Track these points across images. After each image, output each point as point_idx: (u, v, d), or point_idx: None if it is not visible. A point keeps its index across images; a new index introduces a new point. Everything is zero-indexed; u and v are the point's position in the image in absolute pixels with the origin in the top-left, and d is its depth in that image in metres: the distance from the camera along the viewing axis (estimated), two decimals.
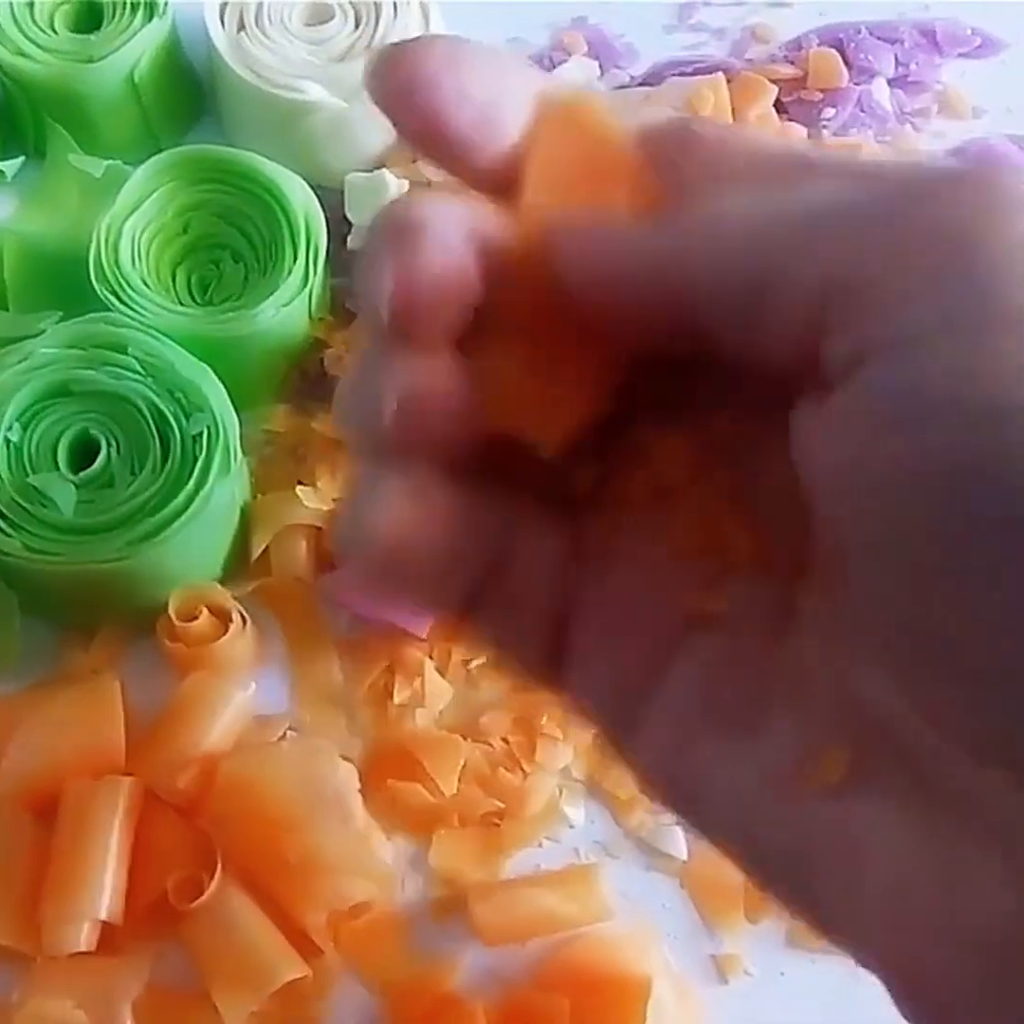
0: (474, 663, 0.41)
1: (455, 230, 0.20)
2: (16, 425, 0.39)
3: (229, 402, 0.40)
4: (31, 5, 0.46)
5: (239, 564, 0.42)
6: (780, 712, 0.20)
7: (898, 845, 0.18)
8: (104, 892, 0.36)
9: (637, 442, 0.22)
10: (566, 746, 0.40)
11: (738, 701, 0.20)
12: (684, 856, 0.40)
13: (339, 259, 0.46)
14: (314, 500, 0.41)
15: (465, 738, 0.40)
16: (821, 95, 0.49)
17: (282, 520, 0.42)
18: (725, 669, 0.21)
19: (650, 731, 0.21)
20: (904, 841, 0.18)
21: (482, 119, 0.21)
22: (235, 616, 0.40)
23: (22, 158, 0.48)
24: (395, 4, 0.47)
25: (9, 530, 0.38)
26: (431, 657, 0.41)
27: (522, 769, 0.40)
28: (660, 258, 0.20)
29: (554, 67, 0.51)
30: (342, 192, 0.47)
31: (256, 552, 0.41)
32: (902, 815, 0.18)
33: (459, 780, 0.39)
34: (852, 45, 0.51)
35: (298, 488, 0.42)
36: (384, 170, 0.47)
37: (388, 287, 0.19)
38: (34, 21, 0.46)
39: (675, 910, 0.39)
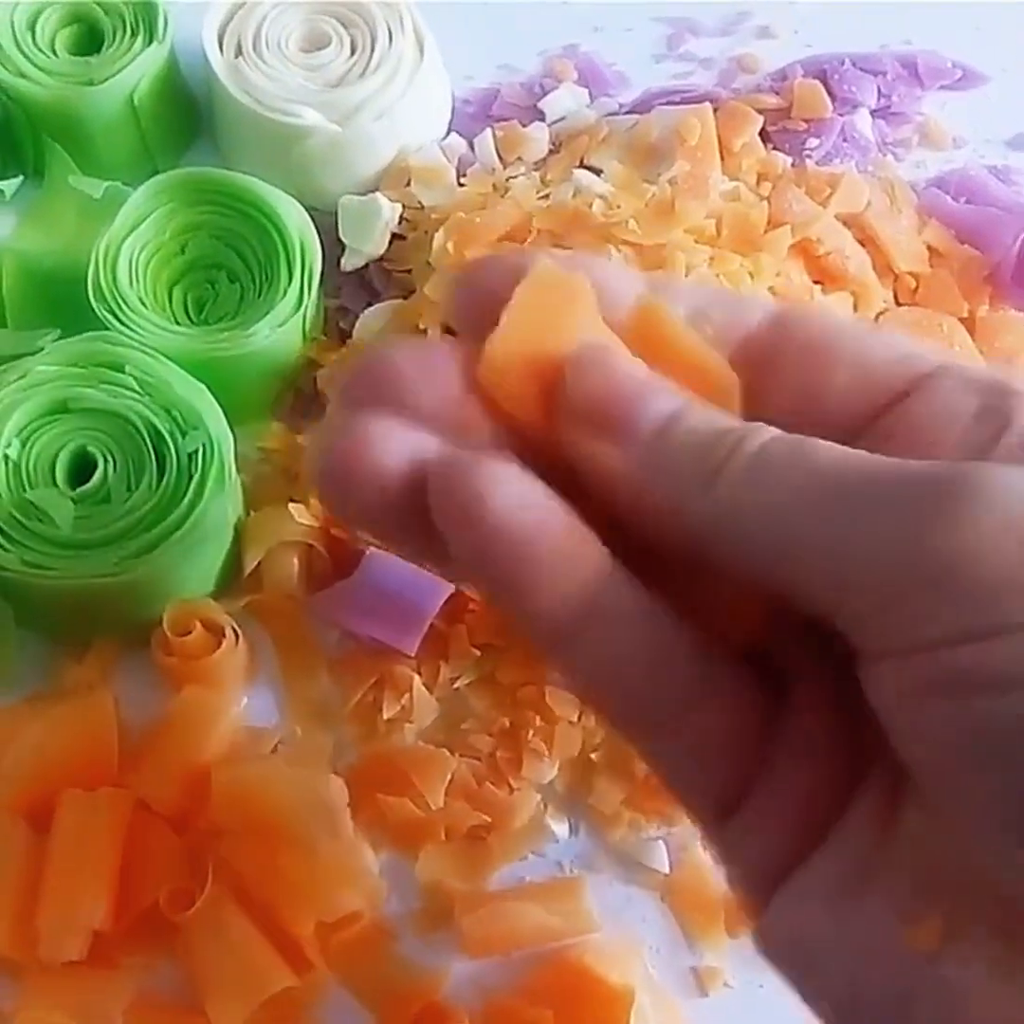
0: (461, 681, 0.42)
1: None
2: (14, 441, 0.40)
3: (224, 420, 0.41)
4: (33, 28, 0.47)
5: (232, 580, 0.43)
6: (883, 884, 0.22)
7: (994, 1002, 0.20)
8: (97, 903, 0.36)
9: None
10: (551, 762, 0.41)
11: (848, 873, 0.22)
12: (666, 870, 0.40)
13: (333, 280, 0.47)
14: (306, 517, 0.42)
15: (452, 753, 0.41)
16: (805, 125, 0.50)
17: (274, 537, 0.42)
18: (841, 846, 0.23)
19: (778, 896, 0.23)
20: (999, 998, 0.20)
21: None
22: (228, 631, 0.41)
23: (21, 178, 0.48)
24: (390, 32, 0.48)
25: (7, 545, 0.38)
26: (419, 674, 0.41)
27: (508, 784, 0.41)
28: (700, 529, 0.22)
29: (545, 93, 0.52)
30: (336, 215, 0.48)
31: (249, 568, 0.42)
32: (994, 974, 0.21)
33: (446, 794, 0.40)
34: (836, 76, 0.52)
35: (290, 505, 0.42)
36: (377, 194, 0.48)
37: None
38: (35, 43, 0.46)
39: (656, 923, 0.40)
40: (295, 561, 0.42)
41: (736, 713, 0.24)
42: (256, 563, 0.42)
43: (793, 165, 0.49)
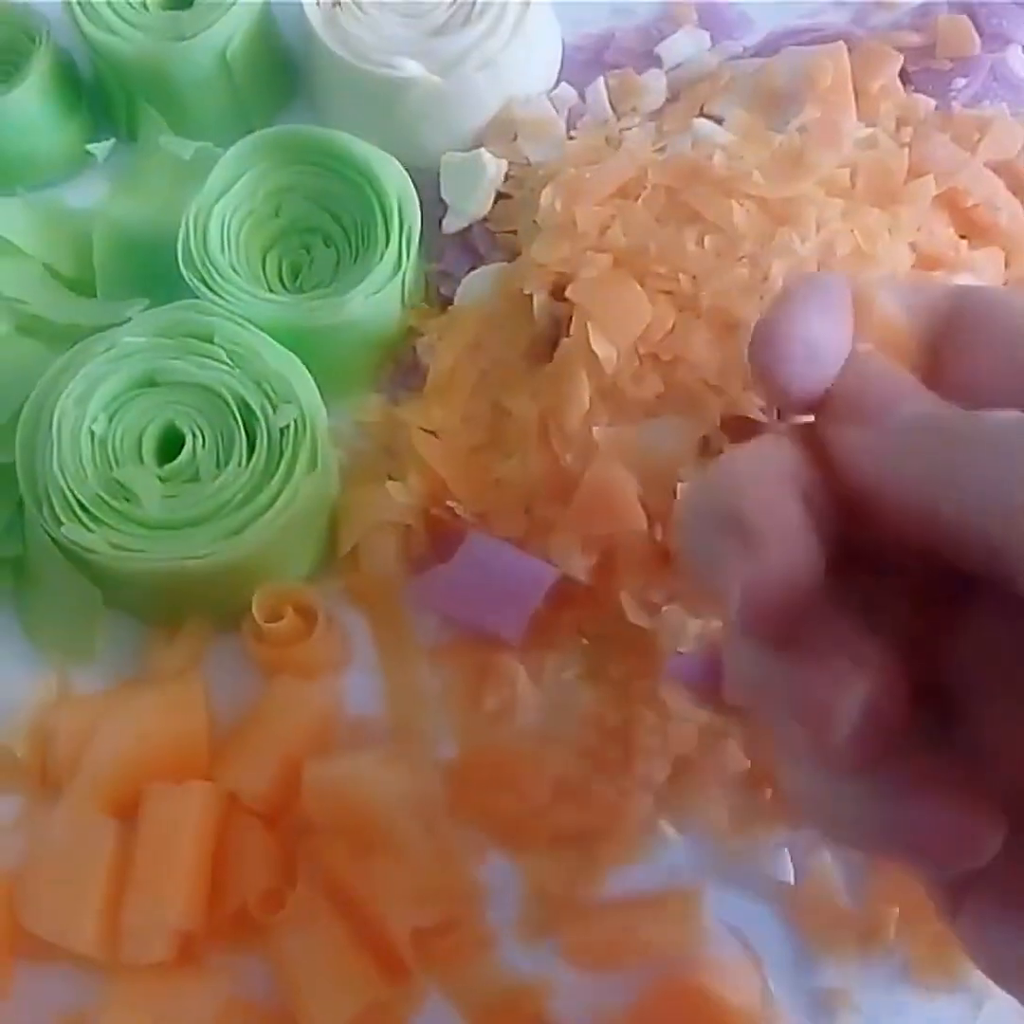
0: (568, 672, 0.39)
1: (794, 521, 0.22)
2: (101, 416, 0.38)
3: (318, 393, 0.39)
4: None
5: (327, 562, 0.40)
6: None
7: None
8: (184, 902, 0.34)
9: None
10: (664, 760, 0.38)
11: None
12: (790, 880, 0.37)
13: (434, 243, 0.44)
14: (404, 496, 0.40)
15: (558, 750, 0.38)
16: (950, 64, 0.46)
17: (372, 516, 0.40)
18: None
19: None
20: None
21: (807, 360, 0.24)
22: (321, 616, 0.38)
23: (113, 140, 0.47)
24: None
25: (92, 526, 0.37)
26: (524, 664, 0.39)
27: (618, 784, 0.38)
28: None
29: (662, 38, 0.48)
30: (438, 173, 0.45)
31: (344, 550, 0.40)
32: None
33: (551, 794, 0.37)
34: (984, 10, 0.47)
35: (389, 483, 0.40)
36: (481, 150, 0.45)
37: (736, 594, 0.22)
38: None
39: (779, 939, 0.37)
40: (393, 542, 0.40)
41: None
42: (352, 545, 0.40)
43: (937, 108, 0.45)
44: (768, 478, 0.23)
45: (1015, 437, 0.21)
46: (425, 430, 0.41)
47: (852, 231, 0.39)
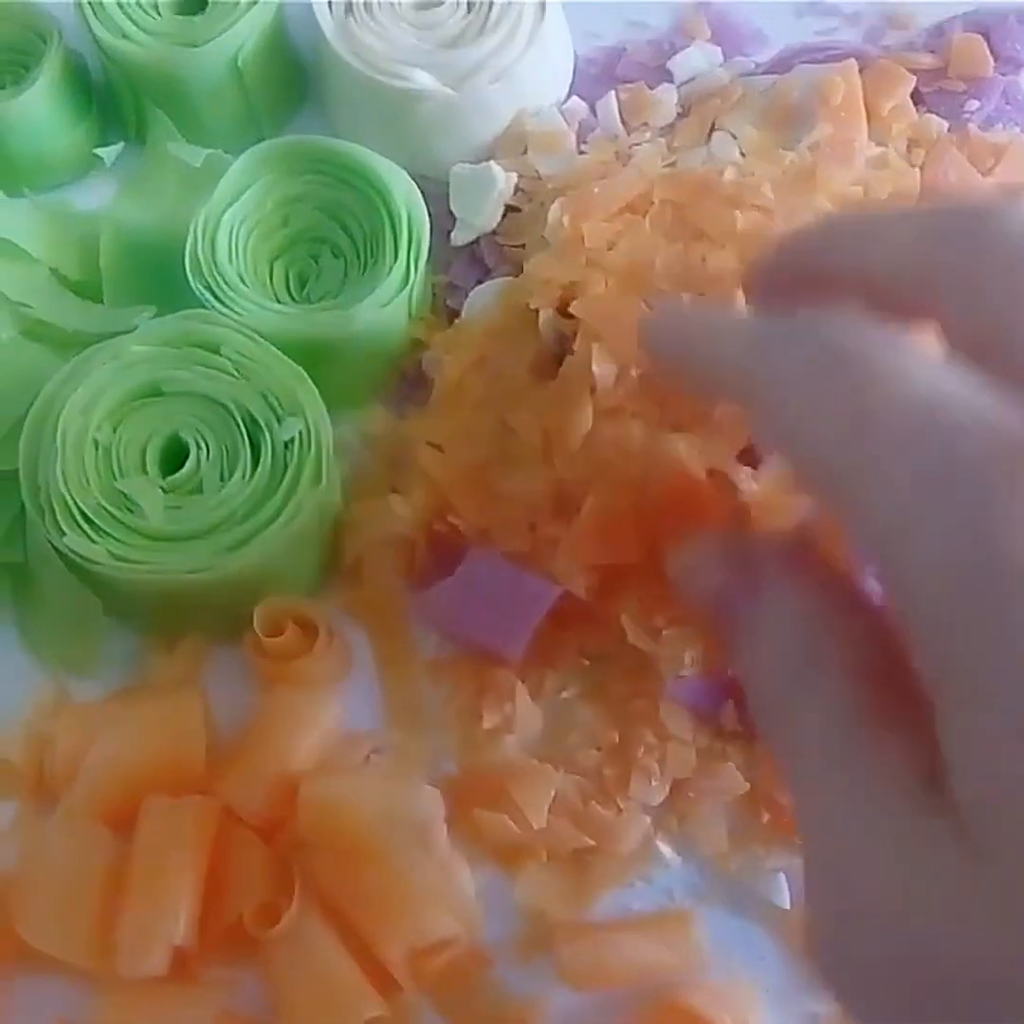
0: (568, 691, 0.39)
1: None
2: (105, 425, 0.38)
3: (323, 406, 0.38)
4: None
5: (329, 575, 0.40)
6: None
7: None
8: (179, 916, 0.34)
9: None
10: (663, 782, 0.38)
11: None
12: (787, 905, 0.37)
13: (443, 255, 0.44)
14: (407, 510, 0.40)
15: (556, 768, 0.38)
16: (964, 86, 0.46)
17: (374, 530, 0.40)
18: None
19: None
20: None
21: None
22: (322, 630, 0.38)
23: (122, 144, 0.47)
24: None
25: (94, 536, 0.36)
26: (523, 681, 0.39)
27: (616, 804, 0.38)
28: None
29: (675, 52, 0.48)
30: (448, 184, 0.45)
31: (347, 563, 0.40)
32: None
33: (548, 812, 0.37)
34: (998, 32, 0.47)
35: (392, 497, 0.40)
36: (491, 162, 0.45)
37: None
38: (137, 3, 0.44)
39: (775, 963, 0.37)
40: (395, 556, 0.40)
41: None
42: (355, 558, 0.40)
43: (950, 130, 0.44)
44: None
45: None
46: (430, 444, 0.41)
47: None
